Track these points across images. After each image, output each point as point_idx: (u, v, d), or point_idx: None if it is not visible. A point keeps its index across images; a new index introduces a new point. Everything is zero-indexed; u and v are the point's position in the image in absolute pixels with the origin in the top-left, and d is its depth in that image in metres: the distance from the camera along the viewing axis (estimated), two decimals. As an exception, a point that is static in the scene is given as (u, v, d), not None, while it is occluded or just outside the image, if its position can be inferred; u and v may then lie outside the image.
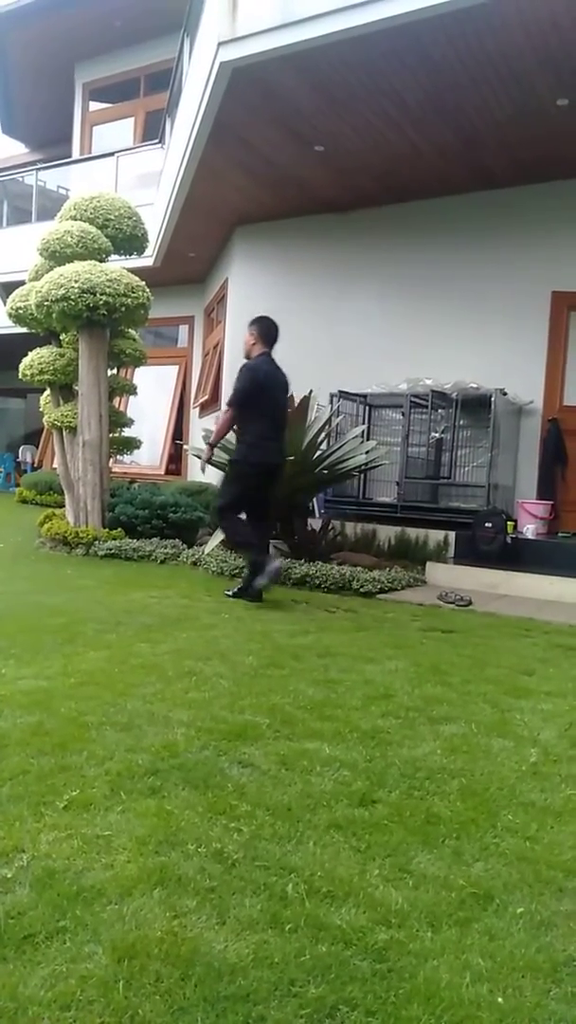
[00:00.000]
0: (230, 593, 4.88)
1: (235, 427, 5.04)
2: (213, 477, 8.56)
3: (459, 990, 1.34)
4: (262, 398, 4.87)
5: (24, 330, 8.16)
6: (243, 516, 5.07)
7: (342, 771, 2.22)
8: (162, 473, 11.64)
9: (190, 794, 2.03)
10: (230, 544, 5.42)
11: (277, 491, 5.15)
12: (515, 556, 5.83)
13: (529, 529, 6.35)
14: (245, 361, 5.10)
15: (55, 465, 9.16)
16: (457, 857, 1.78)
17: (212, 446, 5.15)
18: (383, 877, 1.68)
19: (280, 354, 8.36)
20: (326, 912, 1.54)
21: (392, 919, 1.53)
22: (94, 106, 13.34)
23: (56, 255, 7.25)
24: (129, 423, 8.39)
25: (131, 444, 8.39)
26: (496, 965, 1.41)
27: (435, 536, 6.44)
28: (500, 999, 1.33)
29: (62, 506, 8.06)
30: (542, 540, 6.22)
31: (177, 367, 12.35)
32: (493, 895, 1.63)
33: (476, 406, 6.71)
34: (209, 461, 5.24)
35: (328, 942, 1.45)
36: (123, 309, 6.77)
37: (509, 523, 6.05)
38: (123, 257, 8.12)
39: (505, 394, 6.74)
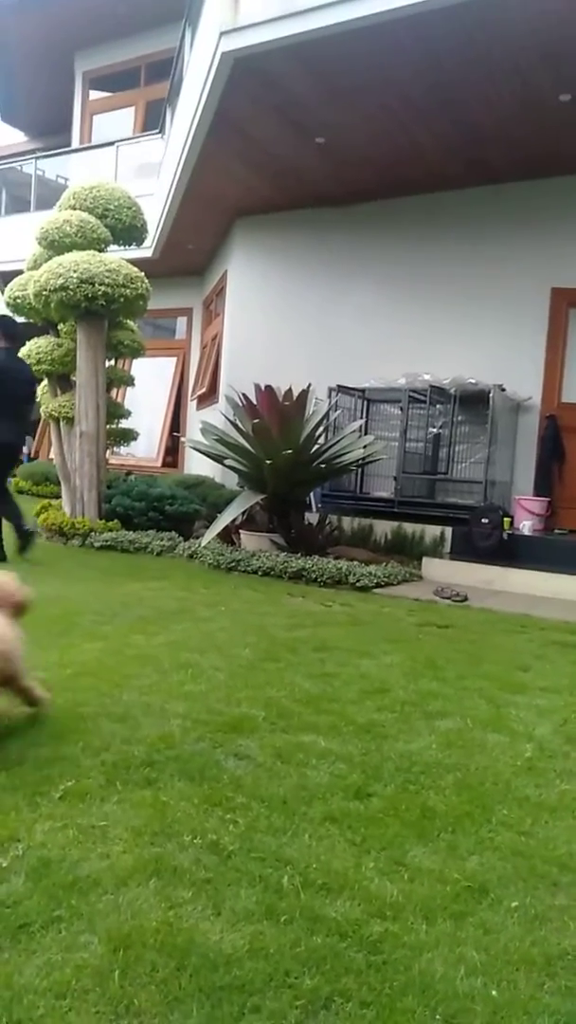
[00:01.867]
0: None
1: None
2: (212, 470, 8.55)
3: (453, 983, 1.35)
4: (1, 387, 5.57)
5: (22, 319, 8.11)
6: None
7: (338, 764, 2.22)
8: (159, 465, 11.61)
9: (186, 786, 2.03)
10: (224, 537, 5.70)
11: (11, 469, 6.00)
12: (511, 552, 5.83)
13: (526, 525, 6.36)
14: None
15: (52, 456, 9.14)
16: (452, 851, 1.78)
17: None
18: (378, 870, 1.68)
19: (277, 347, 8.38)
20: (321, 904, 1.55)
21: (387, 912, 1.54)
22: (94, 95, 13.24)
23: (55, 244, 7.22)
24: (126, 414, 8.37)
25: (128, 436, 8.38)
26: (490, 958, 1.42)
27: (432, 531, 6.45)
28: (494, 992, 1.34)
29: (58, 497, 8.04)
30: (538, 536, 6.23)
31: (175, 359, 12.31)
32: (488, 889, 1.64)
33: (474, 402, 6.70)
34: None
35: (323, 934, 1.46)
36: (121, 300, 6.73)
37: (506, 519, 6.05)
38: (122, 247, 8.09)
39: (504, 390, 6.74)
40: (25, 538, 5.63)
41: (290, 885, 1.60)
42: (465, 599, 5.03)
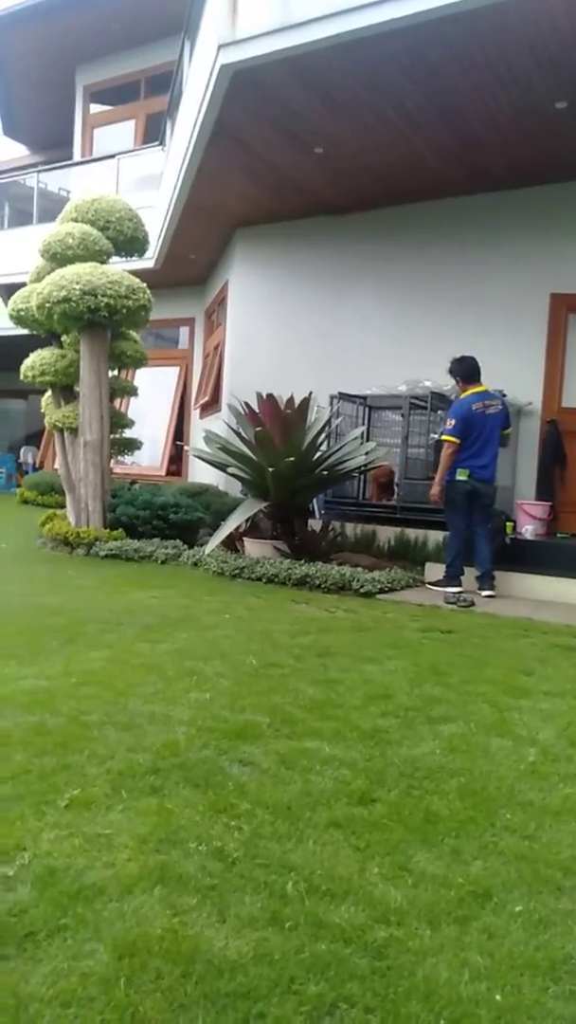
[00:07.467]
0: None
1: None
2: (215, 478, 8.57)
3: (457, 988, 1.35)
4: None
5: (26, 331, 8.17)
6: None
7: (342, 770, 2.23)
8: (163, 474, 11.65)
9: (191, 793, 2.04)
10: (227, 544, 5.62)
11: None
12: (514, 557, 5.83)
13: (528, 530, 6.36)
14: None
15: (56, 466, 9.19)
16: (456, 856, 1.79)
17: None
18: (382, 875, 1.69)
19: (279, 356, 8.41)
20: (326, 910, 1.55)
21: (391, 917, 1.54)
22: (95, 108, 13.36)
23: (57, 257, 7.27)
24: (130, 424, 8.41)
25: (132, 445, 8.42)
26: (494, 963, 1.42)
27: (435, 537, 6.44)
28: (498, 997, 1.34)
29: (63, 507, 8.08)
30: (541, 541, 6.22)
31: (178, 368, 12.37)
32: (492, 893, 1.64)
33: (476, 407, 6.69)
34: None
35: (328, 940, 1.46)
36: (124, 311, 6.78)
37: (508, 524, 6.05)
38: (124, 259, 8.15)
39: (504, 395, 6.74)
40: None
41: (295, 891, 1.61)
42: (471, 604, 5.03)
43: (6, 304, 8.18)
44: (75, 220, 7.62)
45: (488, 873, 1.72)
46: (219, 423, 8.32)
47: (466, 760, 2.35)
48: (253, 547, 6.40)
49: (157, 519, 6.97)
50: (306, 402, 6.25)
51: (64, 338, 7.79)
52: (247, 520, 6.39)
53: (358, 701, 2.87)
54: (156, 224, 9.34)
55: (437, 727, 2.63)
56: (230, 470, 6.66)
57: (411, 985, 1.35)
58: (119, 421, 8.07)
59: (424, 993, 1.33)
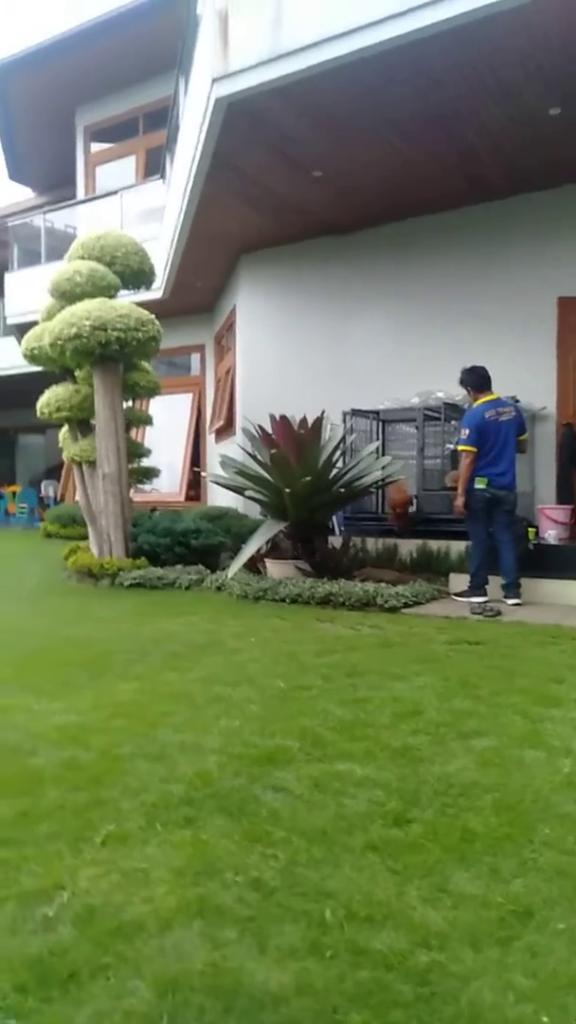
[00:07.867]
0: None
1: None
2: (233, 501, 8.62)
3: (503, 1011, 1.33)
4: None
5: (40, 369, 8.32)
6: None
7: (375, 791, 2.21)
8: (182, 499, 11.73)
9: (225, 822, 2.04)
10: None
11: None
12: (539, 562, 5.77)
13: (551, 535, 6.29)
14: None
15: (77, 498, 9.31)
16: (495, 874, 1.77)
17: None
18: (421, 898, 1.67)
19: (290, 376, 8.47)
20: (366, 937, 1.54)
21: (432, 941, 1.53)
22: (96, 147, 13.66)
23: (66, 294, 7.42)
24: (147, 453, 8.50)
25: (150, 473, 8.51)
26: (539, 983, 1.40)
27: (457, 547, 6.41)
28: (545, 1018, 1.32)
29: (86, 539, 8.16)
30: (564, 545, 6.16)
31: (191, 395, 12.50)
32: (533, 912, 1.62)
33: (490, 415, 6.67)
34: None
35: (369, 967, 1.45)
36: (134, 343, 6.88)
37: (531, 530, 6.00)
38: (132, 291, 8.28)
39: (518, 401, 6.71)
40: None
41: (333, 918, 1.60)
42: (498, 613, 4.98)
43: (20, 344, 8.34)
44: (82, 257, 7.77)
45: (528, 891, 1.70)
46: (234, 447, 8.37)
47: (500, 774, 2.32)
48: (275, 568, 6.41)
49: (179, 545, 7.01)
50: (319, 421, 6.28)
51: (77, 373, 7.91)
52: (267, 541, 6.41)
53: (388, 719, 2.86)
54: (161, 255, 9.50)
55: (469, 742, 2.60)
56: (248, 493, 6.70)
57: (456, 1011, 1.34)
58: (136, 451, 8.16)
59: (469, 1018, 1.32)
